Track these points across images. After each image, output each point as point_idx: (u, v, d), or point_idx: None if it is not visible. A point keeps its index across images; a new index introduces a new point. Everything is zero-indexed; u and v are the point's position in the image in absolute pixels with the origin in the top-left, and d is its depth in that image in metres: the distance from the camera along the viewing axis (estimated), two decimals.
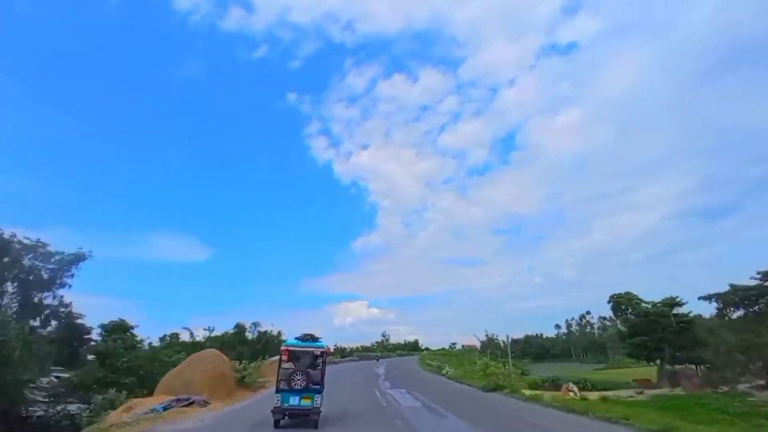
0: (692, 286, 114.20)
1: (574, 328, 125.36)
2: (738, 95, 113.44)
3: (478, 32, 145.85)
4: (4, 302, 27.04)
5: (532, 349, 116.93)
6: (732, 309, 26.60)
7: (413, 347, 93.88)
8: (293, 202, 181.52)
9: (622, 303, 41.45)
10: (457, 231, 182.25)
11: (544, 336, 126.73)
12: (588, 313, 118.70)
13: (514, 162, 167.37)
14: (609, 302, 43.38)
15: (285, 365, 10.55)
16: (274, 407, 10.11)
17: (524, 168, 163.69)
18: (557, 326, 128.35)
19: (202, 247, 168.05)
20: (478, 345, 62.76)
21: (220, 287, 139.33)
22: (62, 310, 31.36)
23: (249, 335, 53.72)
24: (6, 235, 27.58)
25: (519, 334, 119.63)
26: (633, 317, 38.28)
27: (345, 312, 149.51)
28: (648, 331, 34.14)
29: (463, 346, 74.03)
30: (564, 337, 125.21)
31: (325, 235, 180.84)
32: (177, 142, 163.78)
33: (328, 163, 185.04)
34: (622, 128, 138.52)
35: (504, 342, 56.34)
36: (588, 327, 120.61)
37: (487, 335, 75.40)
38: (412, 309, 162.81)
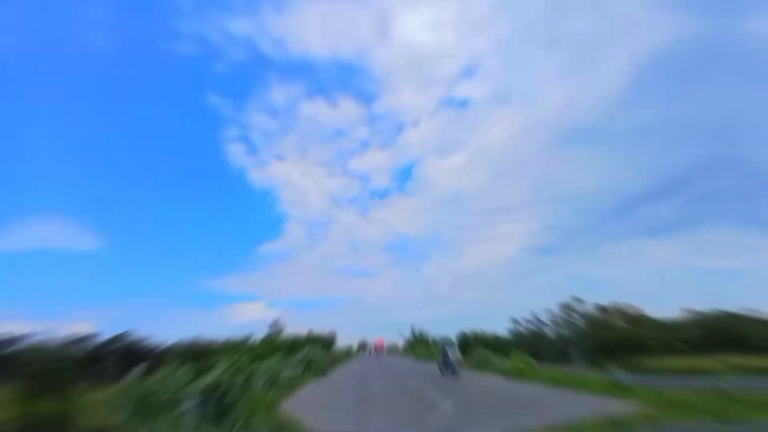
0: (527, 304, 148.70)
1: None
2: (569, 163, 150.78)
3: (393, 75, 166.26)
4: None
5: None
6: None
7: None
8: (203, 200, 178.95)
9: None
10: (354, 244, 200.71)
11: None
12: None
13: (410, 190, 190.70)
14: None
15: None
16: None
17: (416, 196, 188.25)
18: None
19: (89, 234, 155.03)
20: (400, 342, 70.83)
21: (109, 280, 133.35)
22: None
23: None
24: None
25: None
26: None
27: (243, 312, 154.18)
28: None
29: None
30: None
31: (231, 236, 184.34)
32: (69, 116, 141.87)
33: (243, 169, 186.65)
34: (492, 175, 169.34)
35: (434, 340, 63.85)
36: None
37: (414, 333, 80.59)
38: (308, 311, 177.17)
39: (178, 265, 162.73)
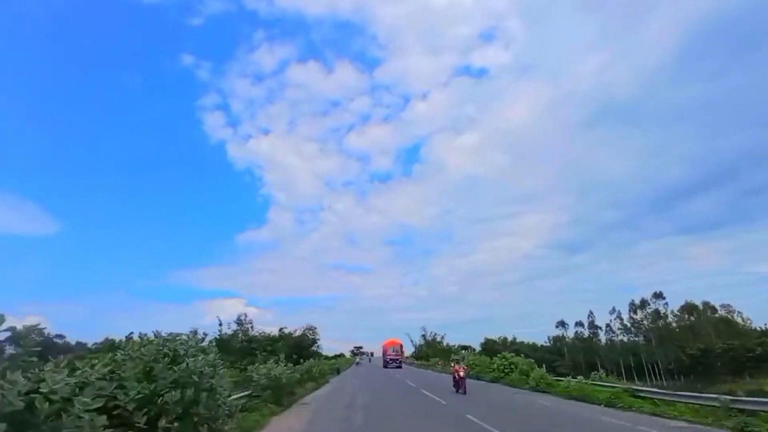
0: (549, 309, 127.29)
1: None
2: (601, 147, 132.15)
3: (399, 36, 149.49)
4: None
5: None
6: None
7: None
8: (174, 180, 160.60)
9: None
10: (350, 236, 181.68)
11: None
12: None
13: (416, 174, 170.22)
14: None
15: None
16: None
17: (423, 182, 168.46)
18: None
19: (43, 217, 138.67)
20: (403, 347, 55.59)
21: (65, 270, 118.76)
22: None
23: None
24: None
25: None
26: None
27: (218, 310, 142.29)
28: None
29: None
30: None
31: (206, 222, 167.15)
32: (18, 83, 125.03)
33: (221, 143, 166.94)
34: (513, 158, 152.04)
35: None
36: None
37: (426, 336, 69.44)
38: (291, 311, 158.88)
39: (144, 254, 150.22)
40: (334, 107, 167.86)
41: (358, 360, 65.59)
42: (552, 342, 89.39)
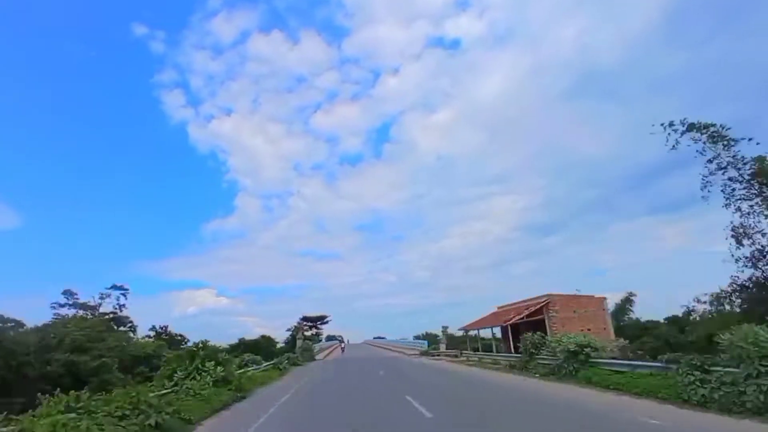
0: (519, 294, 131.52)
1: None
2: (580, 121, 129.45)
3: (368, 2, 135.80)
4: None
5: None
6: None
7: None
8: (132, 166, 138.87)
9: None
10: (319, 222, 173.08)
11: None
12: None
13: (386, 155, 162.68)
14: None
15: None
16: None
17: (394, 163, 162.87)
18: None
19: (7, 210, 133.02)
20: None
21: (19, 261, 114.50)
22: None
23: None
24: None
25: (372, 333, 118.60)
26: None
27: (188, 301, 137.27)
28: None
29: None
30: None
31: (170, 211, 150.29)
32: None
33: (182, 124, 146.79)
34: (488, 136, 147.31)
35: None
36: None
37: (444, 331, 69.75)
38: (262, 300, 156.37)
39: (105, 244, 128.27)
40: (299, 83, 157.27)
41: (343, 346, 63.42)
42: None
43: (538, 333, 19.30)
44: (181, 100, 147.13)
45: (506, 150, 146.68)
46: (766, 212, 15.85)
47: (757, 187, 15.95)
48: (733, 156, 16.29)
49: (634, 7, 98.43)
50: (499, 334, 33.06)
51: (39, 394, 7.79)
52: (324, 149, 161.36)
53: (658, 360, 11.14)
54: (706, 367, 9.08)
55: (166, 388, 12.28)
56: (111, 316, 39.34)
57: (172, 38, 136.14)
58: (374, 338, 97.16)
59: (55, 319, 32.18)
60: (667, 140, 17.21)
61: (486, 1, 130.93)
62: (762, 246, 16.36)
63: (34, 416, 6.97)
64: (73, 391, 7.96)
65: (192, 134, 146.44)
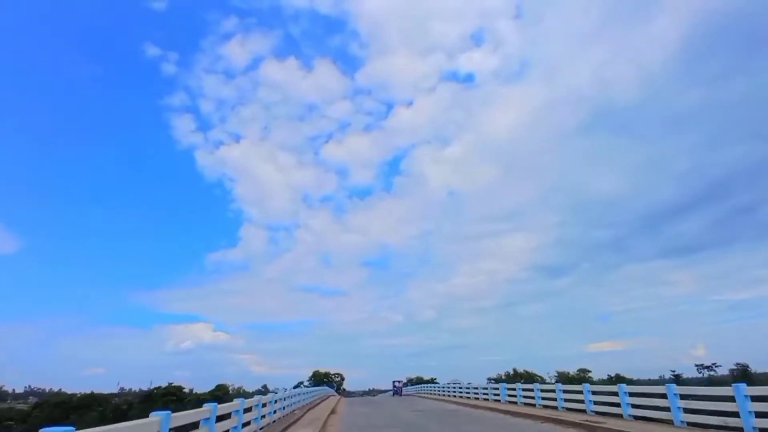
0: (526, 337, 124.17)
1: None
2: (593, 157, 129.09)
3: (384, 34, 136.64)
4: None
5: None
6: None
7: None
8: (136, 192, 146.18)
9: None
10: (325, 257, 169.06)
11: None
12: None
13: (396, 188, 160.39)
14: None
15: None
16: None
17: (405, 197, 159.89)
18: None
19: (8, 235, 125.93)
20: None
21: (23, 288, 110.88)
22: None
23: None
24: None
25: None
26: None
27: (183, 335, 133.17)
28: None
29: None
30: None
31: (170, 239, 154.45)
32: None
33: (189, 150, 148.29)
34: (501, 171, 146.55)
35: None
36: None
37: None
38: (263, 337, 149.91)
39: (99, 272, 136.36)
40: (311, 112, 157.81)
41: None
42: None
43: None
44: (191, 125, 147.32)
45: (519, 185, 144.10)
46: None
47: None
48: None
49: (652, 40, 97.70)
50: None
51: None
52: (333, 181, 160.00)
53: None
54: None
55: None
56: None
57: (183, 60, 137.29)
58: (398, 383, 57.62)
59: None
60: None
61: (500, 36, 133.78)
62: None
63: None
64: None
65: (199, 160, 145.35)
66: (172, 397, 40.70)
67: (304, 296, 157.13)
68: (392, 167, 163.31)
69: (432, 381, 59.03)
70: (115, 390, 71.99)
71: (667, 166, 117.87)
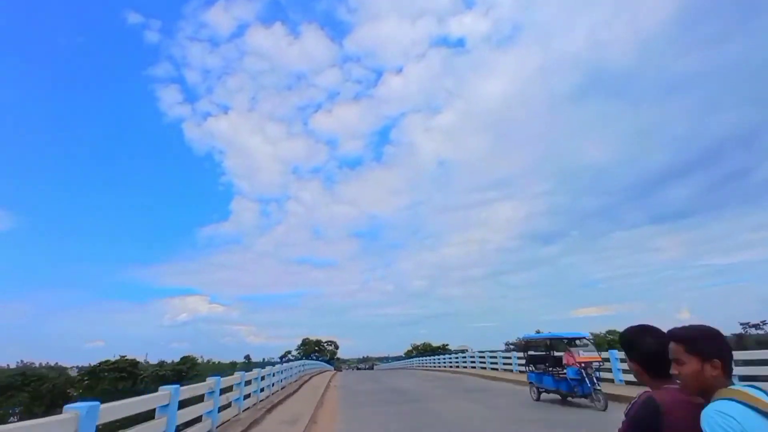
0: (514, 306, 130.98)
1: None
2: (587, 124, 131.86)
3: None
4: None
5: None
6: None
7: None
8: (126, 167, 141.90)
9: None
10: (315, 229, 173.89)
11: None
12: None
13: (386, 158, 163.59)
14: None
15: None
16: None
17: (395, 167, 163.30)
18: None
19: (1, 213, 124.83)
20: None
21: (18, 264, 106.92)
22: None
23: None
24: None
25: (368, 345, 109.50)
26: None
27: (179, 308, 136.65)
28: None
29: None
30: None
31: (163, 215, 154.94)
32: None
33: (177, 122, 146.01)
34: (491, 139, 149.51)
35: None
36: None
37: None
38: (257, 308, 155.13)
39: (95, 247, 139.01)
40: (299, 81, 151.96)
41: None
42: None
43: None
44: (177, 96, 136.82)
45: (509, 154, 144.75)
46: None
47: None
48: None
49: (648, 1, 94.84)
50: None
51: None
52: (323, 151, 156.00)
53: None
54: None
55: None
56: None
57: (167, 28, 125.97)
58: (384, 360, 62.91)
59: None
60: None
61: None
62: None
63: None
64: None
65: (187, 133, 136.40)
66: (122, 374, 36.28)
67: (296, 268, 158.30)
68: (382, 137, 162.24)
69: (444, 349, 53.57)
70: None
71: (661, 133, 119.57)
